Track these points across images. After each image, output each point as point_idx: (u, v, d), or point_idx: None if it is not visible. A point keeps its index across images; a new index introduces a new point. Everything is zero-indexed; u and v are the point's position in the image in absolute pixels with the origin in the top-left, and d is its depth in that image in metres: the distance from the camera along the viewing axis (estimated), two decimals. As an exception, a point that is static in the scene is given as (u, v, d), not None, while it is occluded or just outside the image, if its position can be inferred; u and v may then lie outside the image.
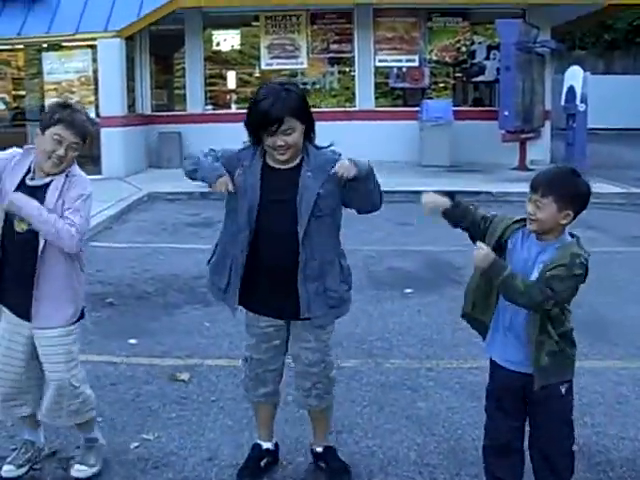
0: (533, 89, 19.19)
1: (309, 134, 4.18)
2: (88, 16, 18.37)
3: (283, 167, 4.15)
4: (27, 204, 4.00)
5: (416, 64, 20.61)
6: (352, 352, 6.63)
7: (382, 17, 20.37)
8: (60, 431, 4.90)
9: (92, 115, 17.80)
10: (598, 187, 16.14)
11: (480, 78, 21.12)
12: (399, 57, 20.55)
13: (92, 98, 18.38)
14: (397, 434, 4.99)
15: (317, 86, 21.07)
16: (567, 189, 3.61)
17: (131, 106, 19.38)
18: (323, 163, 4.11)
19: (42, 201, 4.05)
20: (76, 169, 4.23)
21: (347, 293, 4.35)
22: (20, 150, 4.27)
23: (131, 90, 19.33)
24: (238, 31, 21.46)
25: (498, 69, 18.63)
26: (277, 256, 4.15)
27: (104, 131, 17.75)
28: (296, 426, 5.10)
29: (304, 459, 4.73)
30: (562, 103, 17.12)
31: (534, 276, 3.61)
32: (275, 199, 4.11)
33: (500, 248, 3.75)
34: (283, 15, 20.22)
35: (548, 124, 20.63)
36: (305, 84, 20.98)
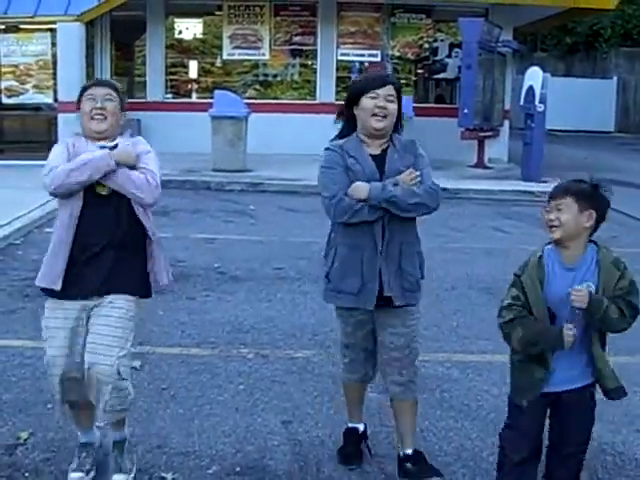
0: (493, 88, 19.31)
1: (398, 119, 4.30)
2: (47, -2, 18.09)
3: (377, 153, 4.24)
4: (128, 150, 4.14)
5: (378, 59, 20.61)
6: (305, 343, 6.63)
7: (346, 11, 20.35)
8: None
9: (50, 100, 17.68)
10: (552, 187, 16.26)
11: (441, 75, 21.21)
12: (362, 52, 20.54)
13: (50, 82, 18.14)
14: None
15: (279, 78, 20.98)
16: (585, 190, 3.67)
17: (89, 92, 19.15)
18: (407, 145, 4.29)
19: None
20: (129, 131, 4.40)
21: (420, 281, 4.38)
22: (68, 139, 4.30)
23: (91, 76, 19.08)
24: (201, 20, 21.30)
25: (460, 67, 18.69)
26: (367, 239, 4.20)
27: (61, 116, 17.50)
28: (246, 415, 5.09)
29: (253, 448, 4.72)
30: (521, 103, 17.21)
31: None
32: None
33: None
34: (247, 5, 20.11)
35: (507, 123, 20.78)
36: (266, 75, 20.93)
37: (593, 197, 3.67)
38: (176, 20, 21.14)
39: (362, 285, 4.21)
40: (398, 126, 4.32)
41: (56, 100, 17.87)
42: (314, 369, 6.03)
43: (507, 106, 20.93)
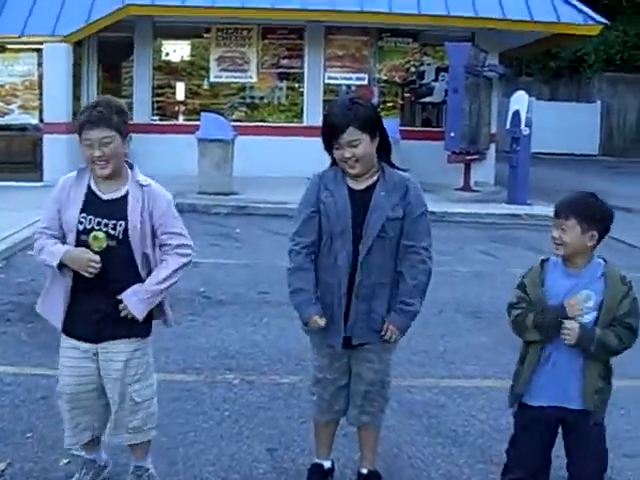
0: (480, 112, 19.36)
1: (384, 152, 4.21)
2: (35, 19, 18.04)
3: (360, 188, 4.16)
4: (143, 304, 4.06)
5: (365, 82, 20.67)
6: (291, 369, 6.58)
7: (333, 34, 20.42)
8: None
9: (35, 121, 17.60)
10: (539, 209, 16.41)
11: (428, 99, 21.27)
12: (349, 75, 20.59)
13: (36, 103, 18.10)
14: (334, 452, 4.92)
15: (266, 100, 20.98)
16: (589, 210, 3.72)
17: (76, 113, 19.03)
18: (397, 181, 4.16)
19: (124, 216, 4.03)
20: (142, 176, 4.19)
21: None
22: (70, 175, 4.25)
23: (77, 97, 19.06)
24: (189, 42, 21.30)
25: (446, 91, 18.74)
26: (337, 280, 4.17)
27: (47, 137, 17.53)
28: (231, 443, 5.03)
29: (238, 476, 4.67)
30: (507, 127, 17.28)
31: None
32: (355, 220, 4.10)
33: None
34: (235, 28, 20.13)
35: (493, 147, 20.85)
36: (253, 98, 20.93)
37: (596, 219, 3.72)
38: (164, 42, 21.13)
39: (330, 324, 4.21)
40: (383, 154, 4.24)
41: (42, 121, 17.83)
42: (300, 395, 5.97)
43: (493, 129, 21.01)
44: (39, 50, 17.88)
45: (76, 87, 18.86)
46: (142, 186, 4.12)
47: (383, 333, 4.15)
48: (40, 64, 17.97)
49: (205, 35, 20.66)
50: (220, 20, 19.71)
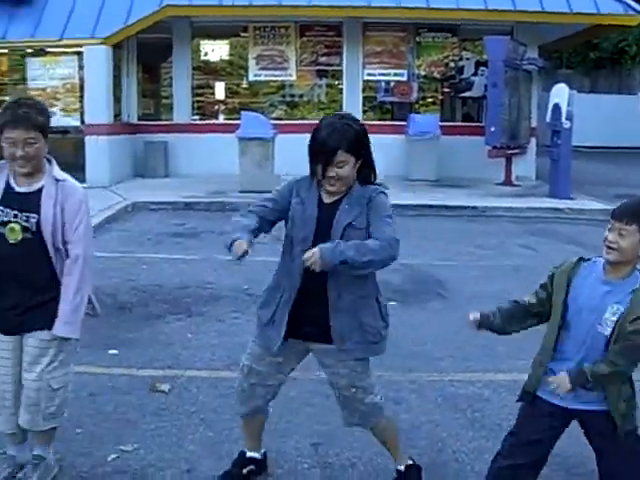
0: (520, 106, 19.26)
1: (362, 169, 4.19)
2: (74, 22, 18.24)
3: (330, 201, 4.18)
4: (74, 322, 4.21)
5: (404, 78, 20.64)
6: (335, 365, 6.58)
7: (371, 31, 20.40)
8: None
9: (77, 123, 17.77)
10: (581, 203, 16.32)
11: (468, 94, 21.18)
12: (387, 71, 20.58)
13: (77, 105, 18.29)
14: (377, 446, 4.93)
15: (305, 98, 21.06)
16: None
17: (117, 115, 19.28)
18: (361, 196, 4.14)
19: (37, 209, 4.10)
20: (58, 171, 4.26)
21: (385, 330, 4.32)
22: None
23: (117, 98, 19.24)
24: (227, 41, 21.44)
25: (486, 85, 18.66)
26: (314, 285, 4.14)
27: (89, 139, 17.69)
28: (276, 438, 5.07)
29: (283, 471, 4.70)
30: (547, 120, 17.15)
31: (606, 317, 3.57)
32: (321, 232, 4.11)
33: (566, 300, 3.73)
34: (272, 26, 20.20)
35: (534, 140, 20.73)
36: (293, 96, 20.99)
37: None
38: (202, 42, 21.27)
39: (270, 323, 4.25)
40: (367, 171, 4.23)
41: (83, 123, 17.99)
42: (344, 391, 5.98)
43: (534, 123, 20.88)
44: (79, 53, 18.06)
45: (116, 88, 19.03)
46: (57, 181, 4.21)
47: (305, 255, 3.95)
48: (80, 67, 18.15)
49: (243, 34, 20.76)
50: (257, 19, 19.79)
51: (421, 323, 7.79)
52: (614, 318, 3.56)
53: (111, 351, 6.85)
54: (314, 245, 3.99)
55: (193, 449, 4.99)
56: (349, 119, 4.18)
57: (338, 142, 4.02)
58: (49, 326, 4.20)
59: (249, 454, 4.62)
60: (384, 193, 4.23)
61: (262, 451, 4.68)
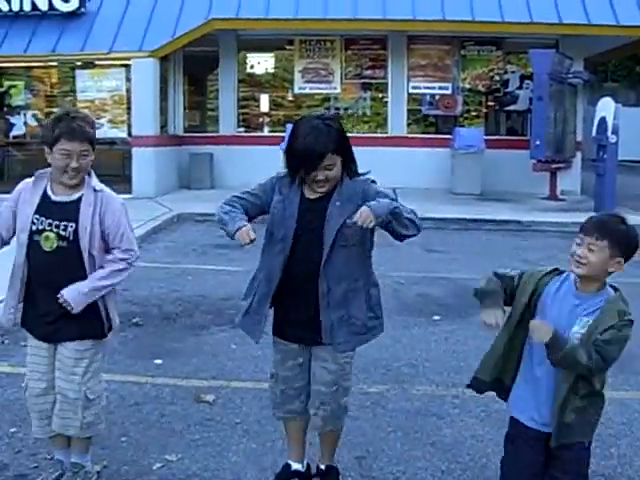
0: (565, 119, 19.15)
1: (347, 164, 4.19)
2: (123, 35, 18.53)
3: (316, 197, 4.18)
4: (81, 296, 4.19)
5: (449, 92, 20.61)
6: (378, 378, 6.60)
7: (416, 44, 20.40)
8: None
9: (124, 134, 17.97)
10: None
11: (512, 107, 21.07)
12: (432, 84, 20.55)
13: (125, 117, 18.54)
14: (421, 460, 4.96)
15: (350, 111, 21.08)
16: (621, 235, 3.55)
17: (163, 126, 19.48)
18: (352, 193, 4.13)
19: (76, 217, 4.17)
20: (97, 182, 4.34)
21: (374, 321, 4.35)
22: (29, 180, 4.36)
23: (164, 110, 19.43)
24: (272, 54, 21.56)
25: (531, 99, 18.59)
26: (302, 283, 4.19)
27: (136, 150, 17.89)
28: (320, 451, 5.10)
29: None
30: (593, 134, 17.03)
31: (574, 330, 3.53)
32: (307, 228, 4.14)
33: (530, 304, 3.69)
34: (317, 40, 20.30)
35: (579, 155, 20.57)
36: (338, 109, 21.02)
37: (626, 246, 3.55)
38: (248, 55, 21.41)
39: (247, 314, 4.38)
40: (350, 166, 4.22)
41: (130, 134, 18.19)
42: (387, 404, 6.00)
43: (579, 137, 20.73)
44: (127, 66, 18.32)
45: (162, 101, 19.24)
46: (96, 191, 4.27)
47: (353, 221, 3.93)
48: (128, 79, 18.40)
49: (288, 47, 20.88)
50: (303, 32, 19.88)
51: (465, 338, 7.76)
52: (583, 331, 3.52)
53: (156, 361, 6.91)
54: (293, 242, 4.09)
55: (237, 460, 5.02)
56: (328, 118, 4.17)
57: (325, 146, 4.00)
58: (81, 336, 4.29)
59: (293, 467, 4.65)
60: (374, 181, 4.23)
61: (305, 463, 4.71)
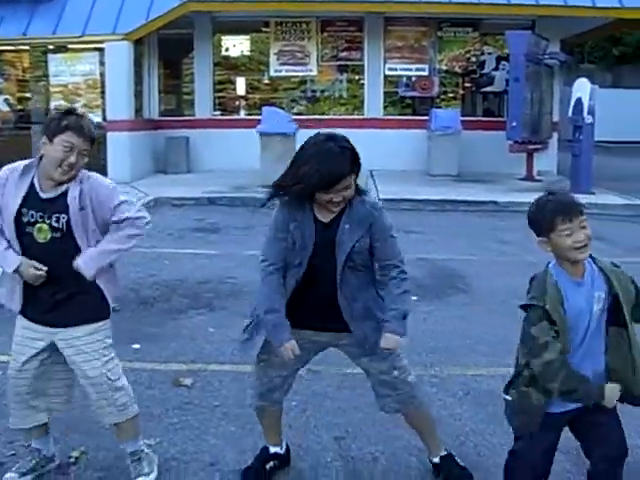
0: (541, 100, 19.19)
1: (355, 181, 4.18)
2: (95, 18, 18.35)
3: (327, 220, 4.14)
4: (94, 261, 4.15)
5: (426, 73, 20.62)
6: (356, 359, 6.59)
7: (392, 26, 20.39)
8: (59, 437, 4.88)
9: (98, 119, 17.85)
10: (603, 198, 16.23)
11: (489, 88, 21.12)
12: (409, 66, 20.57)
13: (99, 102, 18.39)
14: (400, 440, 4.96)
15: (326, 93, 21.04)
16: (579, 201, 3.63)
17: (138, 110, 19.34)
18: (362, 217, 4.10)
19: (66, 210, 4.08)
20: (84, 176, 4.24)
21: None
22: (11, 166, 4.21)
23: (139, 94, 19.31)
24: (248, 37, 21.48)
25: (507, 80, 18.62)
26: (317, 306, 4.20)
27: (110, 135, 17.74)
28: (299, 432, 5.09)
29: (306, 465, 4.72)
30: (569, 115, 17.08)
31: (595, 309, 3.54)
32: (319, 253, 4.10)
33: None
34: (293, 22, 20.24)
35: (555, 135, 20.66)
36: (314, 91, 20.99)
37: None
38: (223, 37, 21.33)
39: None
40: (357, 187, 4.17)
41: (105, 119, 18.06)
42: (366, 384, 5.97)
43: (555, 118, 20.81)
44: (100, 49, 18.16)
45: (137, 84, 19.12)
46: (82, 182, 4.17)
47: (385, 346, 4.10)
48: (102, 63, 18.23)
49: (264, 29, 20.79)
50: (279, 14, 19.81)
51: (443, 318, 7.79)
52: (601, 305, 3.54)
53: (134, 345, 6.87)
54: (310, 267, 4.09)
55: (216, 443, 5.02)
56: (341, 139, 4.10)
57: (342, 168, 3.97)
58: (85, 320, 4.24)
59: (272, 449, 4.64)
60: (382, 209, 4.24)
61: (284, 445, 4.71)
